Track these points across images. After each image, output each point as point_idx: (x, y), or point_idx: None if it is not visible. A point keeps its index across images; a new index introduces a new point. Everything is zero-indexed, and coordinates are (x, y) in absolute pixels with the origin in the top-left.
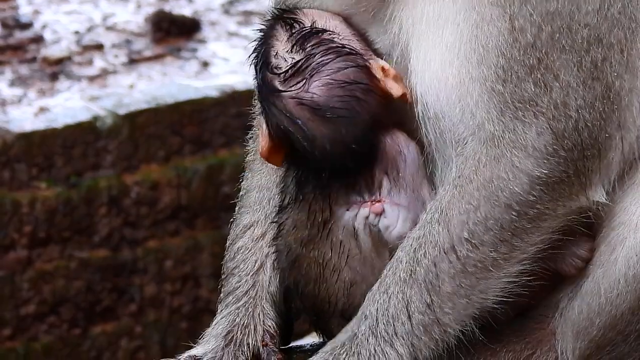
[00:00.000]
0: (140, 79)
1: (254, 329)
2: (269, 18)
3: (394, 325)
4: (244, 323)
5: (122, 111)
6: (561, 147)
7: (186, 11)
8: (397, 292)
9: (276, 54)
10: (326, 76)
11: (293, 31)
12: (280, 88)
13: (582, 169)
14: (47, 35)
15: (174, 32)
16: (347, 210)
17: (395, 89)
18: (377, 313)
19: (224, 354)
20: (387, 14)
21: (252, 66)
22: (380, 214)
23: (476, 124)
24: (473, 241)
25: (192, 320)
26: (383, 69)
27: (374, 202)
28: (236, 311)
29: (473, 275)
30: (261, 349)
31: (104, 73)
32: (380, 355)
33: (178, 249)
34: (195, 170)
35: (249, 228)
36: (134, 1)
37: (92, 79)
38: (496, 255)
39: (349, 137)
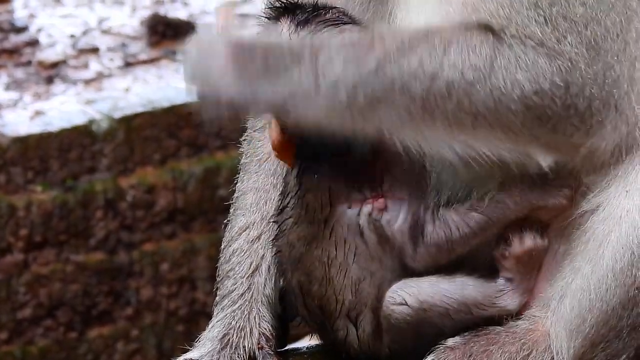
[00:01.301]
0: (135, 82)
1: (250, 332)
2: (269, 11)
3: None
4: (239, 326)
5: (117, 114)
6: (559, 96)
7: (181, 14)
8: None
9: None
10: None
11: (296, 12)
12: None
13: (565, 129)
14: (43, 39)
15: (169, 35)
16: (349, 208)
17: None
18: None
19: (220, 357)
20: (387, 11)
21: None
22: (383, 209)
23: None
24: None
25: (188, 323)
26: None
27: (376, 198)
28: (232, 314)
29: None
30: (257, 352)
31: (100, 76)
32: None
33: (174, 252)
34: (192, 173)
35: (245, 230)
36: (129, 4)
37: (87, 82)
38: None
39: None
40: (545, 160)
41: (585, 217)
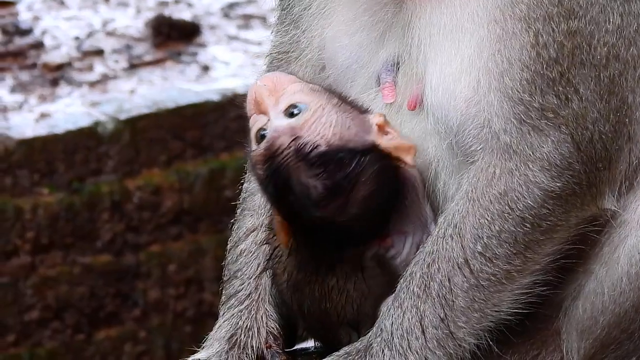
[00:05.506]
0: (140, 83)
1: (258, 331)
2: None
3: (408, 339)
4: (247, 326)
5: (123, 116)
6: (576, 160)
7: (186, 15)
8: (411, 306)
9: (298, 181)
10: (362, 192)
11: (310, 155)
12: (319, 214)
13: (593, 181)
14: (47, 41)
15: (174, 37)
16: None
17: (404, 151)
18: (391, 327)
19: (228, 357)
20: (405, 20)
21: (269, 195)
22: (389, 247)
23: (492, 134)
24: (487, 255)
25: (195, 324)
26: (380, 127)
27: (384, 239)
28: (239, 314)
29: (487, 289)
30: (265, 351)
31: (105, 78)
32: None
33: (181, 253)
34: (197, 174)
35: (253, 231)
36: (133, 6)
37: (92, 84)
38: (510, 268)
39: (391, 201)
40: (585, 211)
41: (601, 222)
